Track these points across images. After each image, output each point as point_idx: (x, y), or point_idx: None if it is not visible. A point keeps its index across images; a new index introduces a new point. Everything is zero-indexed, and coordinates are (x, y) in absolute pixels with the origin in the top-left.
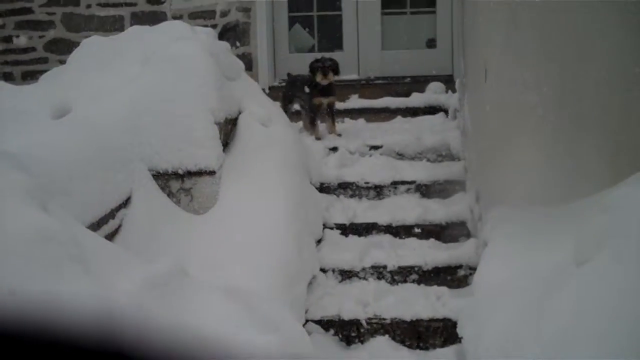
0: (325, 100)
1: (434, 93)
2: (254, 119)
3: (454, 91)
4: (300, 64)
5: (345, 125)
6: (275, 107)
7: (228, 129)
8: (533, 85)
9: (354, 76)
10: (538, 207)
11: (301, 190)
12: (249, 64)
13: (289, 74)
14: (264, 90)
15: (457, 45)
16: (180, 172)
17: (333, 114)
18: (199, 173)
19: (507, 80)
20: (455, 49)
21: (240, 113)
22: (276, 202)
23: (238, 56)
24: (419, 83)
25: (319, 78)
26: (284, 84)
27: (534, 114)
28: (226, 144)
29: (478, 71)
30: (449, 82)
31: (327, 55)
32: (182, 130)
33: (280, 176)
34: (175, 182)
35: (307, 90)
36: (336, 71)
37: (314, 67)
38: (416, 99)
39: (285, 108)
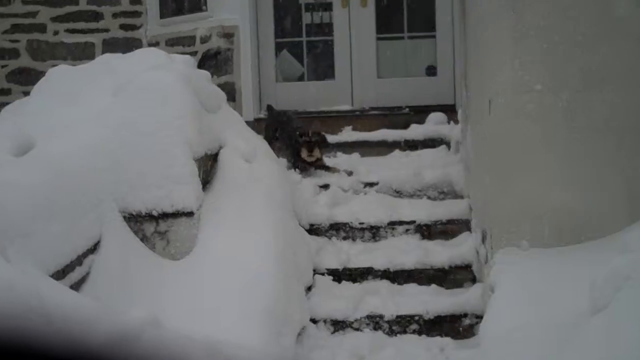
0: (311, 167)
1: (434, 124)
2: (237, 154)
3: (456, 122)
4: (288, 94)
5: (337, 160)
6: (260, 141)
7: (208, 166)
8: (540, 117)
9: (347, 107)
10: (549, 248)
11: (289, 232)
12: (232, 94)
13: (269, 108)
14: (248, 122)
15: (459, 72)
16: (155, 213)
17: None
18: (176, 214)
19: (513, 111)
20: (457, 77)
21: (221, 148)
22: (261, 246)
23: (220, 86)
24: (418, 114)
25: (304, 154)
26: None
27: (542, 148)
28: (206, 181)
29: (482, 101)
30: (450, 112)
31: (318, 83)
32: (157, 167)
33: (265, 217)
34: (150, 224)
35: (290, 141)
36: (323, 145)
37: (298, 142)
38: (415, 131)
39: (270, 142)
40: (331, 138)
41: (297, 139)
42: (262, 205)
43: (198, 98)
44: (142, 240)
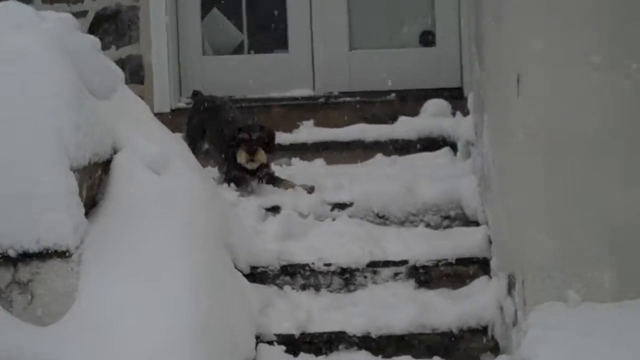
0: (253, 178)
1: (432, 116)
2: (139, 162)
3: (464, 113)
4: (222, 73)
5: (293, 169)
6: (176, 142)
7: (95, 178)
8: (598, 100)
9: (307, 91)
10: (609, 303)
11: (218, 281)
12: (138, 73)
13: (195, 94)
14: (161, 115)
15: (469, 39)
16: (11, 253)
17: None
18: (44, 255)
19: (555, 91)
20: (465, 47)
21: (115, 152)
22: (174, 304)
23: (121, 60)
24: (409, 101)
25: (242, 159)
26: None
27: (600, 147)
28: (92, 203)
29: (506, 79)
30: (455, 98)
31: (264, 57)
32: (11, 182)
33: (181, 259)
34: (4, 270)
35: (222, 140)
36: (271, 145)
37: (234, 140)
38: (406, 127)
39: (194, 144)
40: (283, 137)
41: (232, 137)
42: (177, 241)
43: (80, 75)
44: None
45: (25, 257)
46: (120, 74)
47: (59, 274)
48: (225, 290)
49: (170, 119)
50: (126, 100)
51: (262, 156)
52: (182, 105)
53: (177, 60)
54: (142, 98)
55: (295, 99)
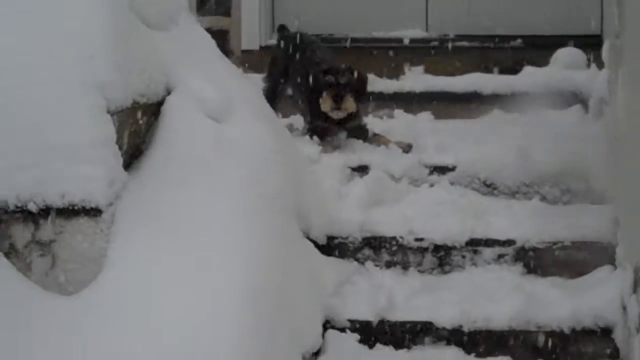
0: (339, 130)
1: (564, 67)
2: (195, 105)
3: (602, 65)
4: (321, 7)
5: (394, 122)
6: (246, 86)
7: (141, 123)
8: None
9: (418, 32)
10: None
11: (279, 253)
12: (224, 3)
13: (281, 28)
14: (250, 52)
15: None
16: (31, 207)
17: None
18: (70, 212)
19: None
20: None
21: (169, 93)
22: (223, 280)
23: None
24: (537, 49)
25: (326, 106)
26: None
27: None
28: (136, 152)
29: None
30: (593, 48)
31: None
32: (35, 128)
33: (236, 224)
34: (23, 227)
35: (306, 84)
36: (361, 92)
37: (319, 84)
38: (531, 78)
39: (275, 88)
40: (386, 85)
41: (317, 81)
42: (233, 203)
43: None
44: (7, 255)
45: (47, 212)
46: (182, 1)
47: (86, 235)
48: (289, 266)
49: (260, 58)
50: (189, 34)
51: (350, 104)
52: (273, 42)
53: None
54: (228, 32)
55: (404, 40)
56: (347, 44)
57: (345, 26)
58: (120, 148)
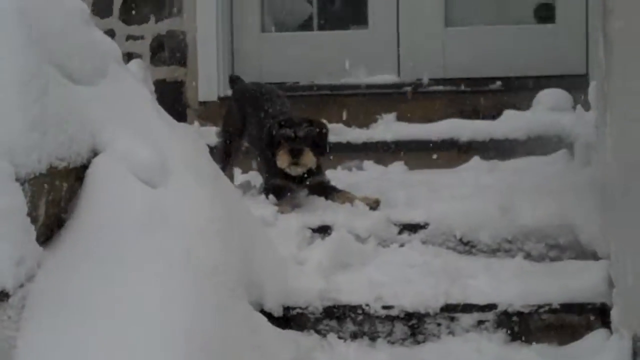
0: (298, 187)
1: (548, 110)
2: (126, 169)
3: (588, 107)
4: (284, 54)
5: (363, 176)
6: (188, 145)
7: (61, 192)
8: None
9: (389, 78)
10: None
11: (219, 334)
12: (180, 52)
13: (233, 80)
14: (207, 104)
15: (596, 13)
16: None
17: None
18: None
19: None
20: (592, 23)
21: (95, 155)
22: None
23: (158, 37)
24: (518, 91)
25: (283, 162)
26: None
27: None
28: (57, 223)
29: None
30: (579, 89)
31: (338, 35)
32: None
33: (166, 305)
34: None
35: (261, 138)
36: (321, 145)
37: (274, 138)
38: (512, 123)
39: (230, 143)
40: (356, 134)
41: (272, 135)
42: (166, 283)
43: (48, 52)
44: None
45: None
46: (113, 51)
47: None
48: (228, 347)
49: (219, 110)
50: (120, 88)
51: (309, 159)
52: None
53: (229, 37)
54: (184, 83)
55: (375, 86)
56: (314, 92)
57: (310, 73)
58: (34, 220)
